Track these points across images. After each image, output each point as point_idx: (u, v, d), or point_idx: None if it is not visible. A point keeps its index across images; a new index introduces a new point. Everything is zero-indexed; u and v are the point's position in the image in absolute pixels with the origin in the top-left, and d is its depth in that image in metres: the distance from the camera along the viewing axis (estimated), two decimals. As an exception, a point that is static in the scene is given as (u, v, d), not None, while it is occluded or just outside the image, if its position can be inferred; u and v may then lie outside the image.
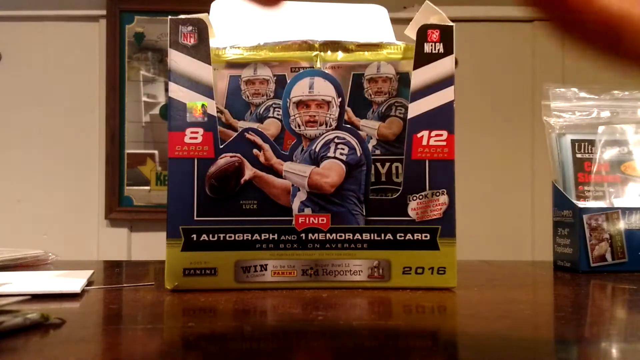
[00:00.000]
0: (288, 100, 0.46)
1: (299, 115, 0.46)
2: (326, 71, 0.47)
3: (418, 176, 0.45)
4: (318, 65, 0.47)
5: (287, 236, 0.45)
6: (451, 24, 0.46)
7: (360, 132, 0.46)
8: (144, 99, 2.00)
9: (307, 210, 0.45)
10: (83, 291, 0.43)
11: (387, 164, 0.48)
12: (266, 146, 0.45)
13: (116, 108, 1.98)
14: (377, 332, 0.32)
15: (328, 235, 0.45)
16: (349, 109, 0.48)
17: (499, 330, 0.32)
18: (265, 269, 0.45)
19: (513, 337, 0.30)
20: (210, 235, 0.45)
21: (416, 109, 0.45)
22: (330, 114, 0.45)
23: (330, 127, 0.45)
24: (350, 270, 0.45)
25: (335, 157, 0.45)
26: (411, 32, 0.46)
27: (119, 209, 1.98)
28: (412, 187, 0.45)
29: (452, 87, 0.45)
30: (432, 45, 0.45)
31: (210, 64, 0.45)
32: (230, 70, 0.48)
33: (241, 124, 0.47)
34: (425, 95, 0.45)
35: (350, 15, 0.54)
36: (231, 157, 0.45)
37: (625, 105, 0.64)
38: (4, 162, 1.99)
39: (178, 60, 0.45)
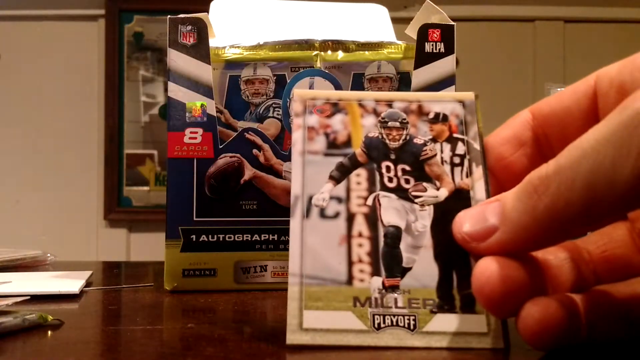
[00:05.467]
0: (288, 100, 0.46)
1: (299, 115, 0.45)
2: (326, 71, 0.47)
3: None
4: (318, 64, 0.47)
5: (287, 237, 0.45)
6: (452, 23, 0.45)
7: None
8: (143, 98, 2.00)
9: (307, 211, 0.44)
10: (82, 292, 0.43)
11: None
12: (266, 146, 0.45)
13: (115, 108, 1.98)
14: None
15: (328, 235, 0.44)
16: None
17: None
18: (265, 270, 0.45)
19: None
20: (210, 236, 0.44)
21: (417, 108, 0.45)
22: (330, 114, 0.44)
23: (330, 127, 0.45)
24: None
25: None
26: (412, 31, 0.46)
27: (118, 210, 1.98)
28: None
29: (453, 86, 0.45)
30: (433, 45, 0.45)
31: (209, 63, 0.45)
32: (230, 70, 0.47)
33: (241, 124, 0.47)
34: (426, 95, 0.45)
35: (350, 15, 0.54)
36: (231, 157, 0.45)
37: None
38: (2, 162, 1.99)
39: (177, 59, 0.44)
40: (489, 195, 0.28)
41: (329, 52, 0.47)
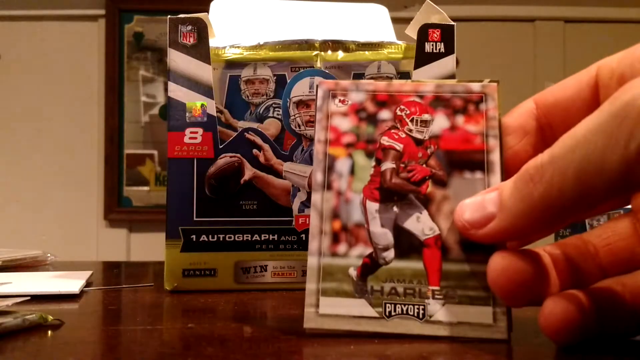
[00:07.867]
0: (288, 100, 0.46)
1: (299, 115, 0.45)
2: (326, 71, 0.47)
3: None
4: (318, 64, 0.47)
5: (287, 237, 0.45)
6: (452, 23, 0.45)
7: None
8: (143, 99, 2.00)
9: (308, 211, 0.44)
10: (82, 292, 0.43)
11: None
12: (266, 146, 0.45)
13: (115, 108, 1.98)
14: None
15: (328, 235, 0.44)
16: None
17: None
18: (265, 270, 0.45)
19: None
20: (210, 236, 0.44)
21: (417, 108, 0.45)
22: (330, 114, 0.44)
23: (330, 127, 0.45)
24: (350, 271, 0.45)
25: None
26: (412, 31, 0.46)
27: (118, 210, 1.98)
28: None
29: (453, 86, 0.45)
30: (433, 45, 0.45)
31: (209, 63, 0.45)
32: (230, 70, 0.47)
33: (241, 124, 0.47)
34: (426, 95, 0.45)
35: (350, 15, 0.54)
36: (231, 157, 0.45)
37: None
38: (3, 163, 1.98)
39: (177, 60, 0.44)
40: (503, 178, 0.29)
41: (329, 52, 0.47)
